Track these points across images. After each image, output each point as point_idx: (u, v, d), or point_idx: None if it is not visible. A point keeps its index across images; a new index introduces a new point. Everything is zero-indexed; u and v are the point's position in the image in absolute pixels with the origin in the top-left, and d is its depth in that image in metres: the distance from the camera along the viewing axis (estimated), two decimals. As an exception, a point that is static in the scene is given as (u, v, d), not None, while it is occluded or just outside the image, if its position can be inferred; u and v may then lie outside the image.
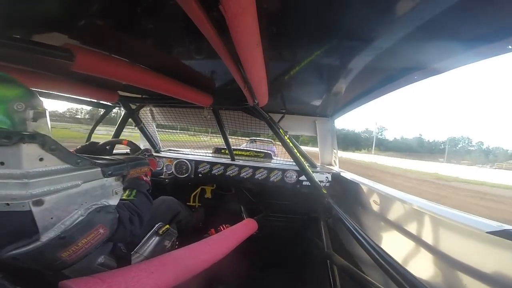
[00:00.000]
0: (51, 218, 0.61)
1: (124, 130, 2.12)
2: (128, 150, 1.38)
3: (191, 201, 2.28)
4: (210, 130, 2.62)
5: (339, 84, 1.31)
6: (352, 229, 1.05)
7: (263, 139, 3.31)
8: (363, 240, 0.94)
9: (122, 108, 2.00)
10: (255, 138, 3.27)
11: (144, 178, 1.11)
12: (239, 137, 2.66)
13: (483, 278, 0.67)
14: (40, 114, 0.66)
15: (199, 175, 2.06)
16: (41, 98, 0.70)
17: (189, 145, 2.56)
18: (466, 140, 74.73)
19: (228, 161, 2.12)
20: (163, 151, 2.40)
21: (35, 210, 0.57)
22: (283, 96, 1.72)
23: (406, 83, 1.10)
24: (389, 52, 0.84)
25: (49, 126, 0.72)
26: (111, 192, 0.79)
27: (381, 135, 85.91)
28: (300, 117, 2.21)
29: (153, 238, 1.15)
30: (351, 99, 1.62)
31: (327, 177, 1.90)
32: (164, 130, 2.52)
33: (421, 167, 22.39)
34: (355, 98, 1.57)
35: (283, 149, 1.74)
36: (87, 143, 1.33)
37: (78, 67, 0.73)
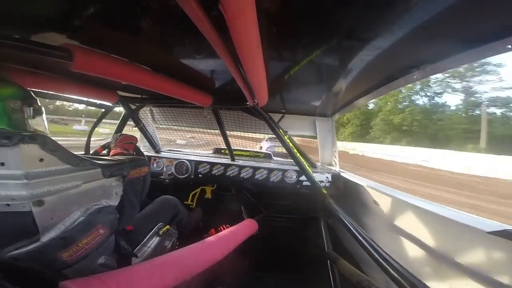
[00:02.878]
0: (52, 218, 0.61)
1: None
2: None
3: (189, 200, 2.27)
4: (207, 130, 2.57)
5: (338, 84, 1.31)
6: (352, 229, 1.05)
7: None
8: (363, 240, 0.94)
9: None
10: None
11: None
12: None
13: (483, 278, 0.67)
14: (37, 111, 0.66)
15: (199, 175, 2.05)
16: (38, 98, 0.70)
17: (189, 145, 2.55)
18: None
19: (228, 161, 2.12)
20: (163, 151, 2.40)
21: (35, 210, 0.57)
22: (283, 96, 1.71)
23: (406, 82, 1.10)
24: (389, 51, 0.84)
25: (46, 124, 0.72)
26: (112, 193, 0.79)
27: None
28: (300, 117, 2.21)
29: (154, 239, 1.15)
30: (350, 98, 1.62)
31: (327, 177, 1.89)
32: (164, 130, 2.51)
33: None
34: (355, 97, 1.57)
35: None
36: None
37: (77, 67, 0.72)
